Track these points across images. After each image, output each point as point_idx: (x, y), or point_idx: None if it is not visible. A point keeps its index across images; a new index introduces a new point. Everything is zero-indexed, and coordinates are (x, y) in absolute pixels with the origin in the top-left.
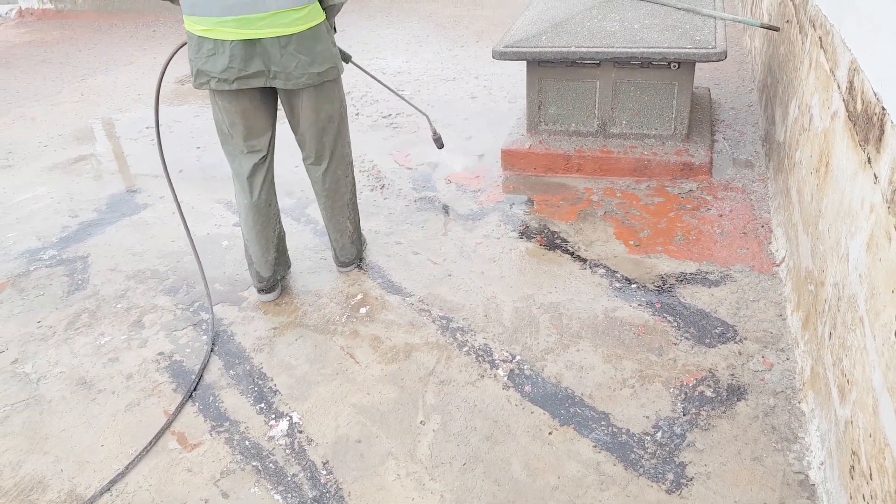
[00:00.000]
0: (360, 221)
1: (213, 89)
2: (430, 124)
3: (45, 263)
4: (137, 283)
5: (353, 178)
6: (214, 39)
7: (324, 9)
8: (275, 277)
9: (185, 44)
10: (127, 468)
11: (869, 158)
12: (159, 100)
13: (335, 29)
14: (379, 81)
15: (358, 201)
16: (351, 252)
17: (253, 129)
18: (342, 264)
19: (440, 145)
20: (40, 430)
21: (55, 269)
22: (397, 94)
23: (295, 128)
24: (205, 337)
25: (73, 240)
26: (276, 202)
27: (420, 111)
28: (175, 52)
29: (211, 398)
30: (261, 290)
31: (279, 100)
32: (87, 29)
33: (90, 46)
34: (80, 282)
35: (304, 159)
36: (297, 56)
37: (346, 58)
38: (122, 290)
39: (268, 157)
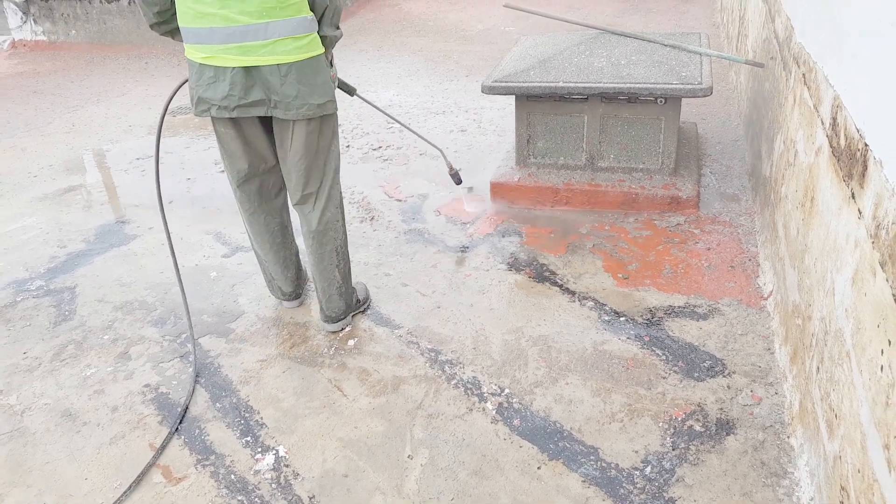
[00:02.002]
0: (352, 253)
1: (213, 116)
2: (446, 160)
3: (33, 294)
4: (125, 314)
5: (344, 225)
6: (216, 66)
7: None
8: (297, 291)
9: (186, 81)
10: None
11: (853, 194)
12: (161, 132)
13: (332, 64)
14: (389, 115)
15: (349, 246)
16: (339, 306)
17: (255, 156)
18: (328, 319)
19: (458, 181)
20: (24, 463)
21: (42, 299)
22: (408, 129)
23: (283, 161)
24: (191, 369)
25: (60, 270)
26: (290, 222)
27: (434, 146)
28: (178, 88)
29: (197, 431)
30: (285, 300)
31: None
32: (80, 61)
33: (82, 78)
34: (67, 313)
35: (290, 199)
36: (296, 86)
37: (351, 90)
38: (109, 322)
39: (276, 181)
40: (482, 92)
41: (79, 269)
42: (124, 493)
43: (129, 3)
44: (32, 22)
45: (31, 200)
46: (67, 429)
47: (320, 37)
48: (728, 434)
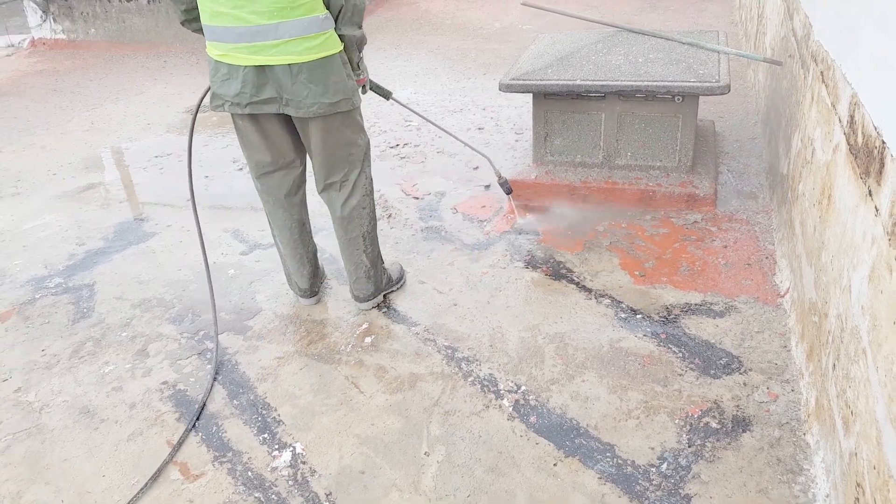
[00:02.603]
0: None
1: (228, 112)
2: (494, 168)
3: (51, 291)
4: (143, 311)
5: (373, 210)
6: (229, 64)
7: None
8: (312, 289)
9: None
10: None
11: (870, 191)
12: (193, 135)
13: (355, 65)
14: (432, 122)
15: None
16: (367, 288)
17: (274, 150)
18: (357, 299)
19: (508, 190)
20: (42, 460)
21: (61, 297)
22: (454, 136)
23: (309, 154)
24: (209, 366)
25: (79, 268)
26: (308, 220)
27: (481, 154)
28: (207, 92)
29: (214, 428)
30: (301, 297)
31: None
32: (99, 59)
33: (101, 76)
34: (85, 310)
35: (316, 186)
36: (307, 85)
37: (386, 94)
38: (127, 319)
39: (295, 178)
40: (500, 90)
41: (97, 267)
42: (141, 489)
43: (149, 2)
44: (52, 20)
45: (50, 198)
46: (85, 426)
47: (339, 36)
48: (744, 431)
